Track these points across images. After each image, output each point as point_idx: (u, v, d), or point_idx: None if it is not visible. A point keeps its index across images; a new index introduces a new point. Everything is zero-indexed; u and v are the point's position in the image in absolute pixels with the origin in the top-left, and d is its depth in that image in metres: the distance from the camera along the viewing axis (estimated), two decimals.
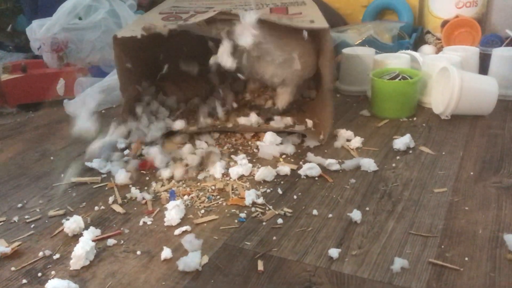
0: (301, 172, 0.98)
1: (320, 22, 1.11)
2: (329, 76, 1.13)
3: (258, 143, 1.10)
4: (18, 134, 1.29)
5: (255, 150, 1.09)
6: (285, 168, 0.99)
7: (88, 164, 1.05)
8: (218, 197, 0.91)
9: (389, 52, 1.49)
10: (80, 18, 1.63)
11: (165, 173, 0.99)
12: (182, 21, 1.10)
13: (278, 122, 1.15)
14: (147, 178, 1.00)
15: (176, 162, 1.03)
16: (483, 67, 1.40)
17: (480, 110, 1.22)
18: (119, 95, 1.38)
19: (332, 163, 0.99)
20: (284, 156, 1.06)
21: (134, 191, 0.94)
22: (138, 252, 0.76)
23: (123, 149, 1.12)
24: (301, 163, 1.02)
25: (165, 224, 0.83)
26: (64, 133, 1.27)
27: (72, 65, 1.58)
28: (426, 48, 1.62)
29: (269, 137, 1.09)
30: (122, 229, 0.82)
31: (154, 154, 1.05)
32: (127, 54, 1.11)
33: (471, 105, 1.20)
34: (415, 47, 1.63)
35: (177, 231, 0.80)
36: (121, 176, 0.98)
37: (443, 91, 1.24)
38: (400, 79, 1.24)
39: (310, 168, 0.97)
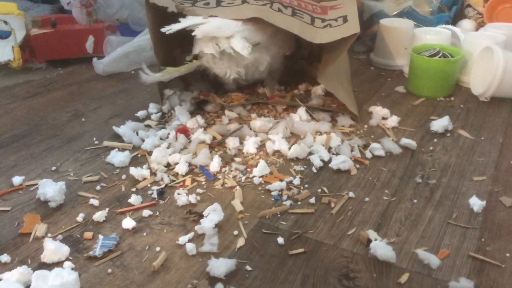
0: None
1: (353, 22, 1.02)
2: (328, 68, 1.07)
3: (292, 115, 1.08)
4: (48, 92, 1.28)
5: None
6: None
7: (116, 129, 1.03)
8: (250, 171, 0.90)
9: (428, 26, 1.44)
10: None
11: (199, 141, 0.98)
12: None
13: (313, 99, 1.13)
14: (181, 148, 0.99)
15: (209, 132, 1.02)
16: None
17: None
18: (149, 55, 1.36)
19: (377, 148, 0.95)
20: (318, 133, 1.04)
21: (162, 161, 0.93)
22: (174, 225, 0.76)
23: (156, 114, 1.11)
24: None
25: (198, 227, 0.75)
26: (94, 94, 1.26)
27: (101, 21, 1.55)
28: (466, 23, 1.56)
29: (301, 113, 1.07)
30: (157, 199, 0.82)
31: (189, 120, 1.05)
32: (159, 16, 1.08)
33: None
34: (454, 21, 1.57)
35: None
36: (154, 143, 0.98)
37: (484, 72, 1.19)
38: (440, 57, 1.20)
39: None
